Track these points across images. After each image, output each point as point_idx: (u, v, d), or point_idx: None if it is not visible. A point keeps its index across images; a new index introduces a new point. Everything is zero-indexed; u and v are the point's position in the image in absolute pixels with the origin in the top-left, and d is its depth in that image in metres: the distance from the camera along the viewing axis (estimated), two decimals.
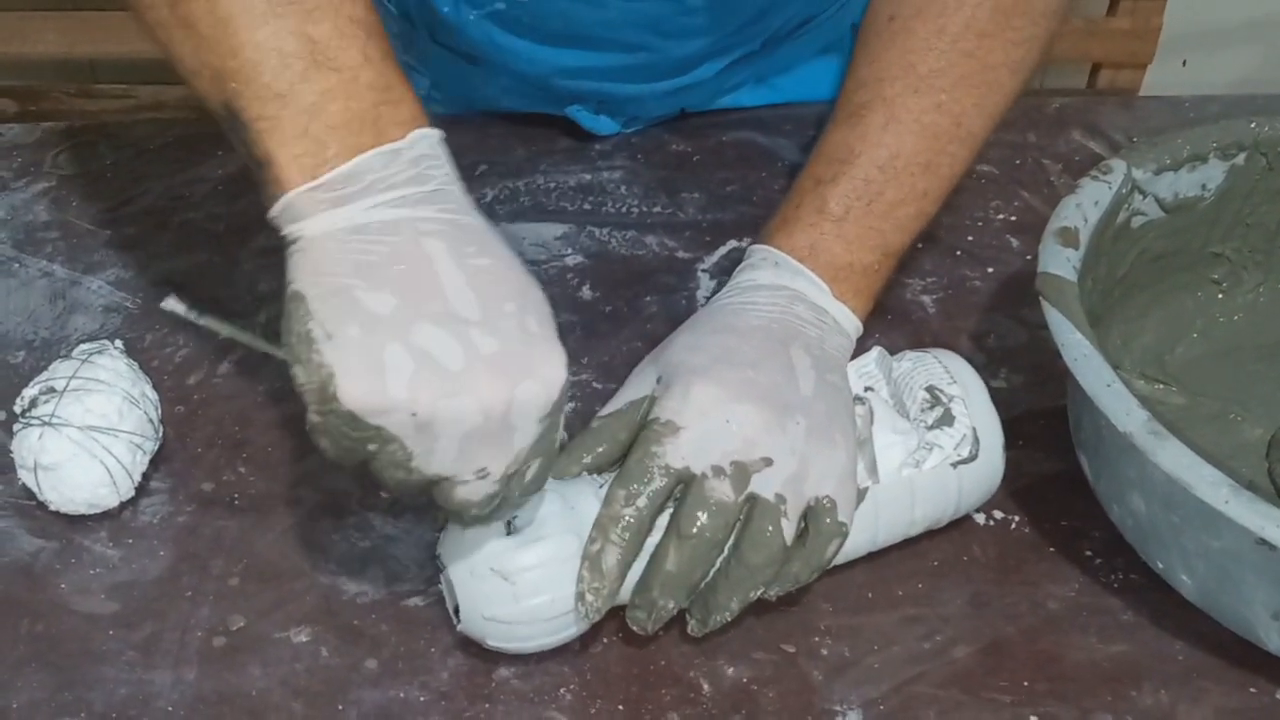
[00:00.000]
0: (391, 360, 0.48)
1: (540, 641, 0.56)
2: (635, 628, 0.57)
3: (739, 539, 0.55)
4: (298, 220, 0.51)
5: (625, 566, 0.55)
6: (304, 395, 0.49)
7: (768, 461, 0.56)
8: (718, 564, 0.56)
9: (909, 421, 0.60)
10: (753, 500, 0.56)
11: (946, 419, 0.60)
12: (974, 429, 0.60)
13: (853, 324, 0.63)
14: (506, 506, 0.54)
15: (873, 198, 0.64)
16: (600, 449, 0.58)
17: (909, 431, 0.60)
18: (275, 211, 0.51)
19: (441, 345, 0.48)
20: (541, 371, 0.50)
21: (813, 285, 0.63)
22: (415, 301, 0.49)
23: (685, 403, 0.56)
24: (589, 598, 0.55)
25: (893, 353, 0.64)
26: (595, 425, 0.59)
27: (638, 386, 0.60)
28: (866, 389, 0.61)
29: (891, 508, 0.60)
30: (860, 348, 0.64)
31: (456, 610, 0.56)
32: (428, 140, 0.53)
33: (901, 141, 0.64)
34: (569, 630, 0.56)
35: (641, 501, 0.55)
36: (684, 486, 0.56)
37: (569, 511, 0.56)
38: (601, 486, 0.57)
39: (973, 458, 0.60)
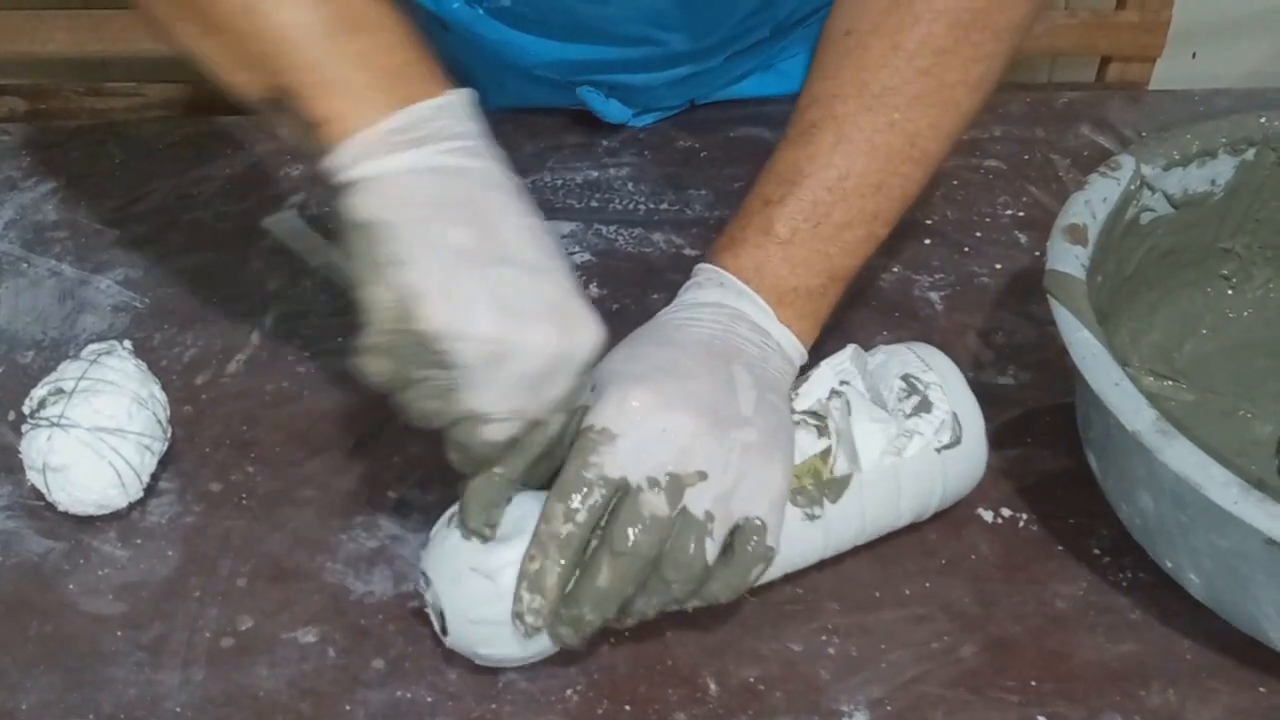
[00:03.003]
0: (476, 289, 0.51)
1: (525, 648, 0.55)
2: (559, 644, 0.55)
3: (662, 554, 0.54)
4: (364, 162, 0.52)
5: (564, 583, 0.54)
6: (376, 314, 0.50)
7: (702, 475, 0.54)
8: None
9: (887, 411, 0.60)
10: (682, 514, 0.54)
11: (925, 406, 0.60)
12: (954, 414, 0.60)
13: (796, 348, 0.62)
14: (519, 460, 0.54)
15: (820, 220, 0.62)
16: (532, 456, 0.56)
17: (887, 420, 0.59)
18: (338, 159, 0.52)
19: (515, 286, 0.52)
20: (590, 326, 0.53)
21: (757, 307, 0.61)
22: (491, 240, 0.52)
23: (621, 409, 0.55)
24: (529, 618, 0.53)
25: None
26: (527, 436, 0.56)
27: None
28: (843, 383, 0.61)
29: (877, 497, 0.59)
30: (868, 345, 0.64)
31: (444, 624, 0.56)
32: (465, 97, 0.55)
33: (851, 162, 0.62)
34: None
35: (581, 516, 0.53)
36: (619, 498, 0.54)
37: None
38: None
39: (955, 442, 0.60)
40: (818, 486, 0.58)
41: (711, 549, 0.54)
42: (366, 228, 0.51)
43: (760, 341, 0.60)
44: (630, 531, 0.53)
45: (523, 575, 0.54)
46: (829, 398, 0.60)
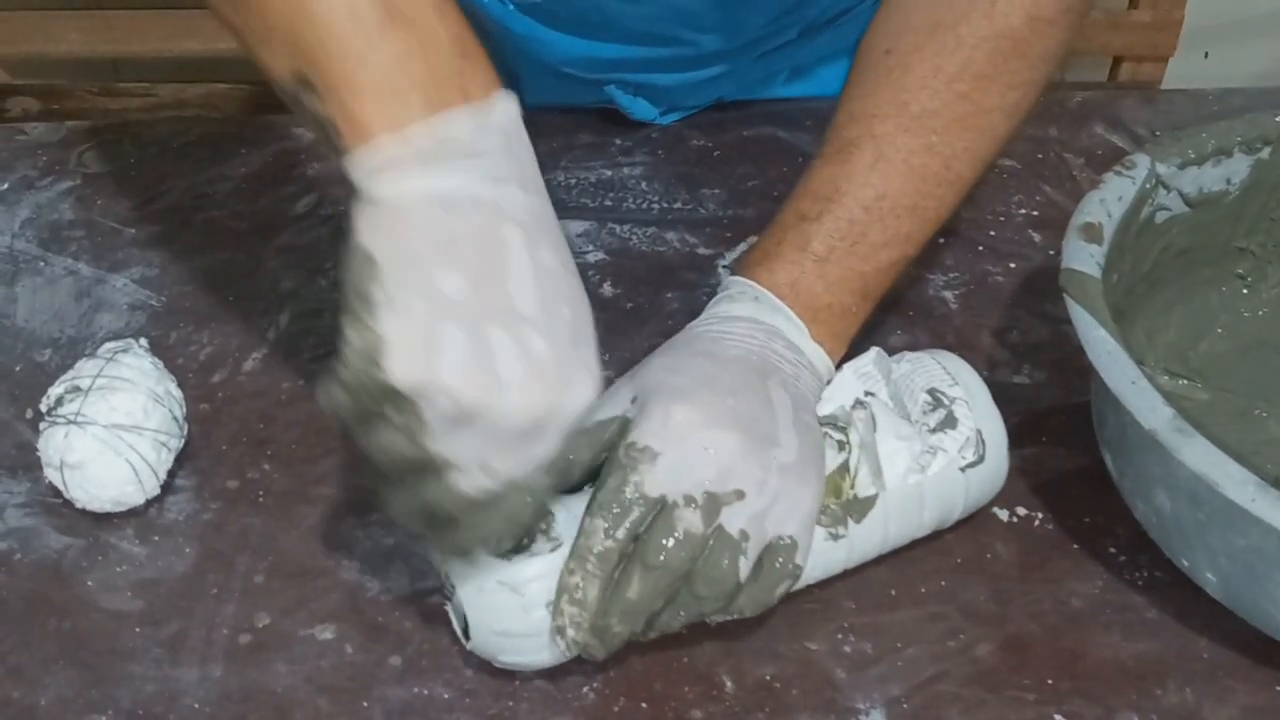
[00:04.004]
0: (448, 343, 0.47)
1: (550, 655, 0.55)
2: (586, 656, 0.54)
3: (694, 570, 0.54)
4: (378, 175, 0.48)
5: (605, 597, 0.54)
6: (346, 354, 0.48)
7: (740, 495, 0.54)
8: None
9: (911, 426, 0.59)
10: (718, 532, 0.54)
11: (950, 421, 0.59)
12: (978, 431, 0.60)
13: (826, 365, 0.62)
14: (500, 525, 0.52)
15: (856, 239, 0.62)
16: (578, 460, 0.56)
17: (912, 437, 0.59)
18: (353, 165, 0.49)
19: (497, 339, 0.48)
20: (579, 388, 0.50)
21: (791, 324, 0.61)
22: (482, 288, 0.48)
23: (665, 427, 0.54)
24: (570, 632, 0.53)
25: (910, 350, 0.64)
26: (565, 444, 0.56)
27: (611, 406, 0.57)
28: (867, 393, 0.60)
29: (900, 515, 0.59)
30: (885, 346, 0.63)
31: (465, 629, 0.56)
32: (511, 106, 0.51)
33: (889, 182, 0.62)
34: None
35: (620, 533, 0.53)
36: (655, 513, 0.54)
37: (573, 520, 0.55)
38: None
39: (979, 460, 0.60)
40: (842, 506, 0.58)
41: (745, 567, 0.54)
42: (360, 257, 0.48)
43: (794, 359, 0.60)
44: (663, 546, 0.53)
45: (563, 589, 0.53)
46: (853, 406, 0.60)
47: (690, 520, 0.53)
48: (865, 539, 0.59)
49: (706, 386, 0.56)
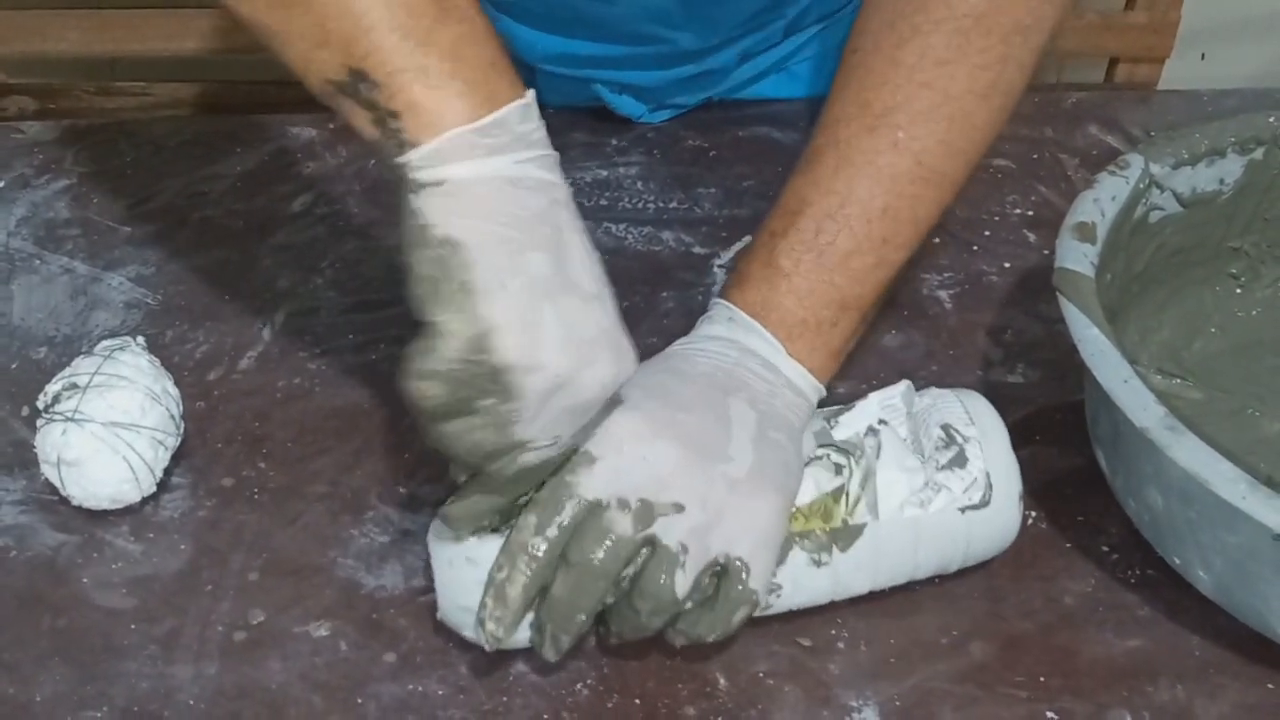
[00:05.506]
0: (547, 321, 0.50)
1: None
2: (539, 652, 0.55)
3: (633, 581, 0.54)
4: (446, 165, 0.49)
5: (530, 595, 0.53)
6: (445, 342, 0.48)
7: (678, 507, 0.53)
8: (611, 598, 0.54)
9: (920, 459, 0.58)
10: (653, 544, 0.53)
11: (959, 460, 0.58)
12: (987, 474, 0.58)
13: (809, 383, 0.60)
14: (526, 483, 0.53)
15: (822, 249, 0.60)
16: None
17: (916, 469, 0.57)
18: (416, 156, 0.49)
19: (579, 315, 0.51)
20: (631, 355, 0.54)
21: (765, 342, 0.60)
22: (563, 266, 0.51)
23: (604, 434, 0.54)
24: (489, 625, 0.53)
25: (910, 351, 0.64)
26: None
27: None
28: (881, 422, 0.59)
29: (892, 548, 0.58)
30: (879, 346, 0.64)
31: (438, 602, 0.56)
32: (533, 94, 0.52)
33: (852, 187, 0.60)
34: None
35: (551, 531, 0.53)
36: (587, 514, 0.53)
37: None
38: None
39: (984, 504, 0.58)
40: (828, 533, 0.57)
41: (683, 581, 0.53)
42: (443, 245, 0.49)
43: (769, 377, 0.59)
44: (588, 543, 0.53)
45: (489, 584, 0.54)
46: (865, 433, 0.58)
47: (619, 523, 0.53)
48: (852, 570, 0.58)
49: (658, 399, 0.56)
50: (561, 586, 0.53)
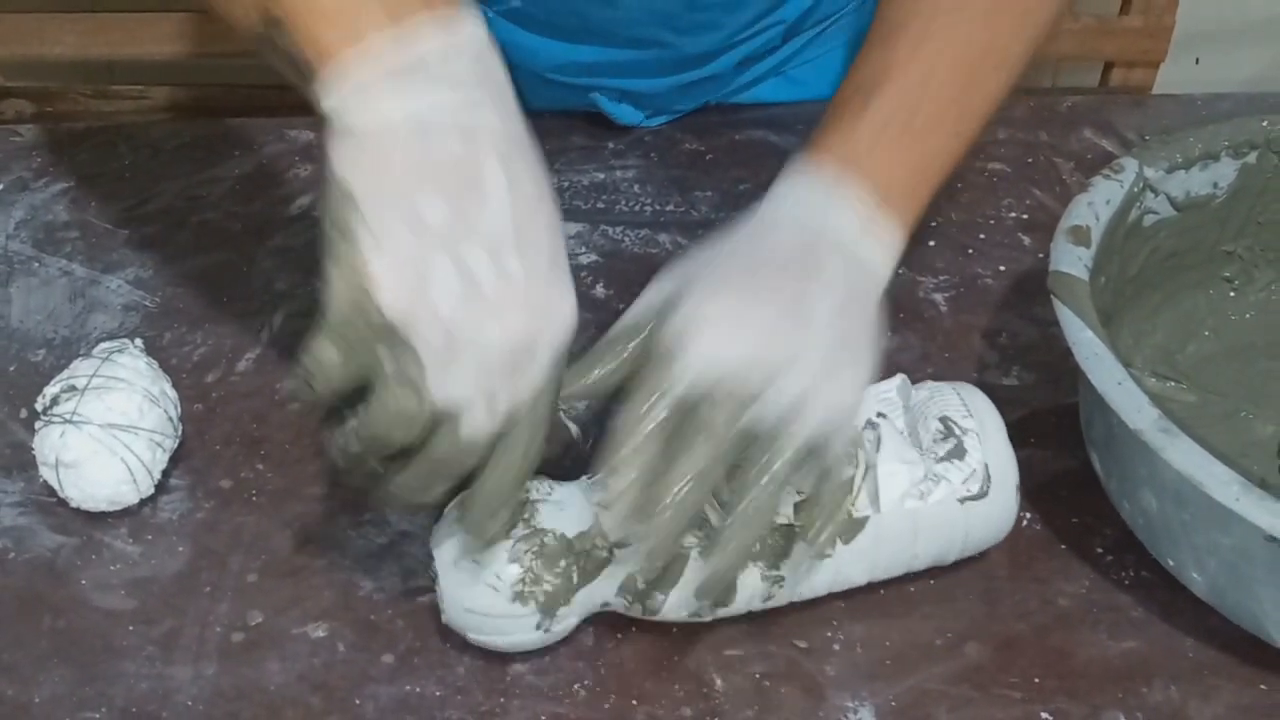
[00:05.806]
0: (436, 271, 0.48)
1: (518, 638, 0.56)
2: (640, 544, 0.54)
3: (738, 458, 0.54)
4: (349, 101, 0.48)
5: (643, 489, 0.53)
6: (333, 296, 0.47)
7: (771, 381, 0.53)
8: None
9: (918, 451, 0.59)
10: (746, 428, 0.53)
11: (957, 452, 0.59)
12: (985, 465, 0.59)
13: (885, 255, 0.60)
14: (513, 461, 0.52)
15: (911, 113, 0.60)
16: (610, 365, 0.57)
17: (916, 462, 0.58)
18: (323, 93, 0.48)
19: (481, 265, 0.48)
20: (561, 308, 0.51)
21: (843, 213, 0.59)
22: (464, 214, 0.48)
23: (692, 321, 0.54)
24: (609, 524, 0.54)
25: (905, 353, 0.64)
26: (604, 341, 0.57)
27: (650, 299, 0.58)
28: (879, 415, 0.59)
29: (892, 539, 0.58)
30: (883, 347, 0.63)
31: (441, 604, 0.57)
32: (479, 27, 0.50)
33: (937, 61, 0.61)
34: (548, 629, 0.56)
35: (659, 414, 0.53)
36: (686, 410, 0.53)
37: (556, 509, 0.56)
38: (590, 487, 0.57)
39: (982, 495, 0.59)
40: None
41: (782, 464, 0.53)
42: (343, 197, 0.48)
43: (847, 252, 0.58)
44: (699, 428, 0.53)
45: (600, 487, 0.54)
46: (864, 428, 0.59)
47: (715, 417, 0.53)
48: (853, 561, 0.58)
49: (737, 284, 0.56)
50: (682, 468, 0.52)
